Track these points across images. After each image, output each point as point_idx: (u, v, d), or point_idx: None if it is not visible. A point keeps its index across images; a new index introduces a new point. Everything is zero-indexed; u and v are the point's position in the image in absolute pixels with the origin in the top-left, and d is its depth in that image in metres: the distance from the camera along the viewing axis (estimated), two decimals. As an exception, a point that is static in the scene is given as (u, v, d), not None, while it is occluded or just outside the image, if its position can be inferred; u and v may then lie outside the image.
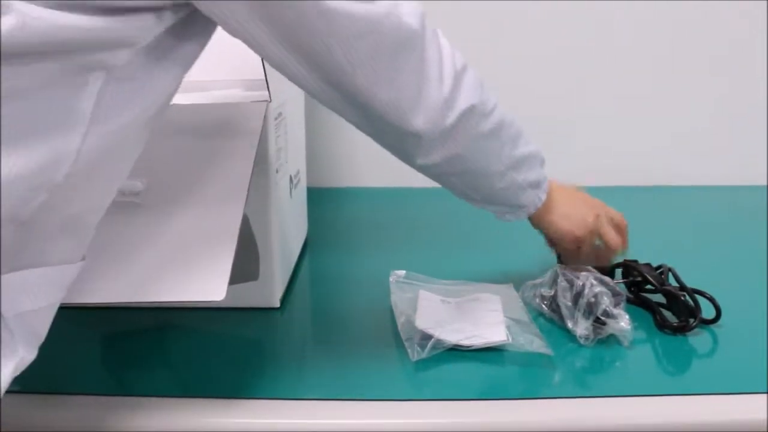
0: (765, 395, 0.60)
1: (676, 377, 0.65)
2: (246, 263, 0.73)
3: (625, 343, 0.68)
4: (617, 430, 0.59)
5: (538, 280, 0.76)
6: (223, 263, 0.59)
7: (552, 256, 0.86)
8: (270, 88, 0.70)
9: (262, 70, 0.68)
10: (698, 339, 0.70)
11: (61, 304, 0.51)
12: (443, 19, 1.08)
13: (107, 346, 0.70)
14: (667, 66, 1.14)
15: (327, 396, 0.60)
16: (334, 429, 0.58)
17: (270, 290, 0.74)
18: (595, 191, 1.15)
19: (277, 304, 0.75)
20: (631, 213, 1.07)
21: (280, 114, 0.75)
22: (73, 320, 0.57)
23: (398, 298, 0.75)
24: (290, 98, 0.81)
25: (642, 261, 0.79)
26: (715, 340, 0.70)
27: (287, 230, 0.79)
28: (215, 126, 0.68)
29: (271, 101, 0.70)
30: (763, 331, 0.70)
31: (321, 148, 1.17)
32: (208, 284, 0.58)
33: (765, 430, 0.58)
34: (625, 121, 1.17)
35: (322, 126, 1.15)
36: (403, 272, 0.80)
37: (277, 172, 0.74)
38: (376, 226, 1.03)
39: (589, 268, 0.73)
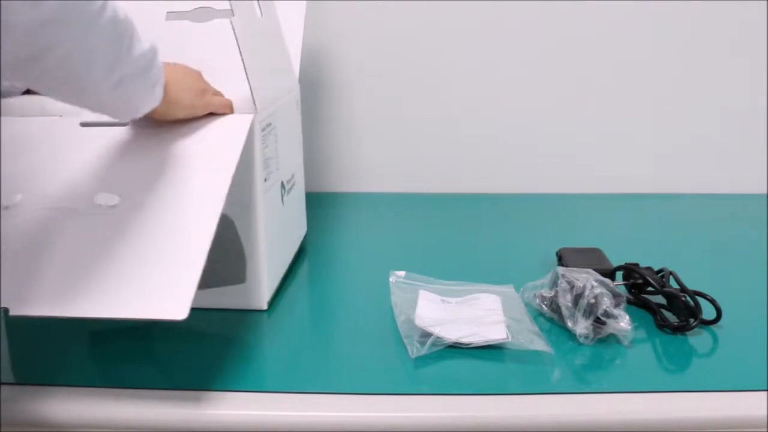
0: (765, 392, 0.60)
1: (676, 375, 0.64)
2: (232, 267, 0.74)
3: (625, 343, 0.68)
4: (617, 425, 0.58)
5: (538, 281, 0.77)
6: (188, 281, 0.58)
7: (552, 257, 0.87)
8: (258, 99, 0.71)
9: (247, 82, 0.69)
10: (698, 339, 0.70)
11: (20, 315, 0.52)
12: (447, 21, 1.10)
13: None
14: (668, 77, 1.15)
15: (324, 390, 0.60)
16: (331, 422, 0.58)
17: (257, 293, 0.75)
18: (598, 198, 1.17)
19: (265, 307, 0.75)
20: (633, 220, 1.08)
21: (269, 125, 0.75)
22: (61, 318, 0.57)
23: (398, 298, 0.75)
24: (283, 105, 0.82)
25: (643, 265, 0.79)
26: (716, 340, 0.70)
27: (277, 235, 0.79)
28: (200, 138, 0.69)
29: (257, 113, 0.71)
30: (764, 331, 0.70)
31: (323, 154, 1.17)
32: (170, 302, 0.57)
33: (765, 427, 0.58)
34: (627, 130, 1.17)
35: (324, 132, 1.16)
36: (403, 273, 0.80)
37: (265, 180, 0.74)
38: (377, 228, 1.03)
39: (590, 270, 0.73)
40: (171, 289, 0.58)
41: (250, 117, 0.70)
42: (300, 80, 0.91)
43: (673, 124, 1.17)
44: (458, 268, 0.83)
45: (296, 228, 0.91)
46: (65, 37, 0.49)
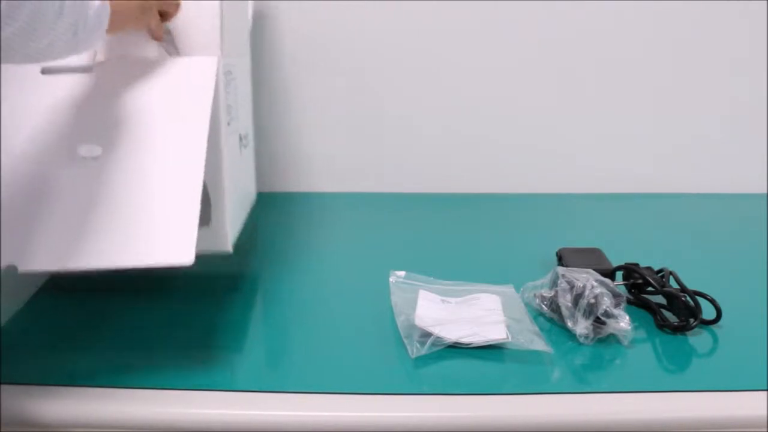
0: (765, 392, 0.60)
1: (676, 374, 0.64)
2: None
3: (625, 343, 0.68)
4: (617, 425, 0.59)
5: (538, 281, 0.77)
6: (188, 225, 0.58)
7: (552, 257, 0.87)
8: (224, 44, 0.72)
9: (218, 26, 0.71)
10: (698, 338, 0.70)
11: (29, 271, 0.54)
12: (447, 23, 1.10)
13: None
14: (668, 77, 1.14)
15: (324, 390, 0.60)
16: (331, 422, 0.58)
17: (222, 235, 0.75)
18: (598, 198, 1.17)
19: (230, 249, 0.76)
20: (633, 220, 1.08)
21: (230, 72, 0.76)
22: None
23: (398, 298, 0.75)
24: (239, 60, 0.84)
25: (643, 265, 0.79)
26: (716, 340, 0.70)
27: (236, 182, 0.80)
28: (169, 82, 0.69)
29: (222, 57, 0.72)
30: (764, 331, 0.70)
31: (324, 153, 1.17)
32: (175, 247, 0.58)
33: (765, 427, 0.58)
34: (627, 130, 1.17)
35: (324, 132, 1.16)
36: (403, 273, 0.80)
37: (228, 124, 0.75)
38: (377, 228, 1.03)
39: (590, 270, 0.73)
40: (172, 235, 0.59)
41: (216, 59, 0.71)
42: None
43: (673, 124, 1.17)
44: (458, 268, 0.83)
45: (250, 188, 0.93)
46: None
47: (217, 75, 0.70)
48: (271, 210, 1.08)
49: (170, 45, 0.75)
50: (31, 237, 0.59)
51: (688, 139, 1.18)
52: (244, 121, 0.87)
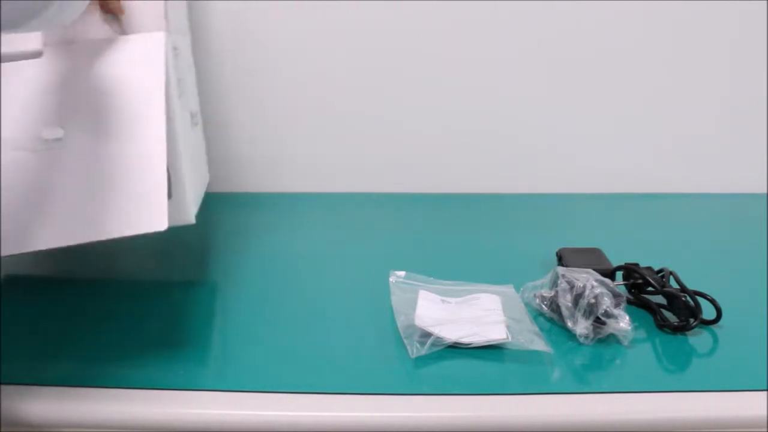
0: (765, 392, 0.60)
1: (676, 375, 0.64)
2: None
3: (625, 343, 0.68)
4: (617, 425, 0.59)
5: (538, 281, 0.77)
6: (157, 192, 0.61)
7: (552, 257, 0.87)
8: (169, 19, 0.74)
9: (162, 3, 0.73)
10: (698, 338, 0.70)
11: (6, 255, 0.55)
12: (445, 23, 1.10)
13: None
14: (668, 76, 1.14)
15: (324, 390, 0.60)
16: (330, 422, 0.58)
17: (184, 207, 0.75)
18: (598, 198, 1.17)
19: (193, 221, 0.77)
20: (633, 220, 1.08)
21: (175, 48, 0.78)
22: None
23: (398, 298, 0.75)
24: (182, 39, 0.85)
25: (643, 265, 0.79)
26: (716, 340, 0.70)
27: (193, 158, 0.81)
28: (121, 59, 0.70)
29: (168, 32, 0.73)
30: (764, 331, 0.70)
31: (325, 153, 1.17)
32: (147, 216, 0.60)
33: (765, 427, 0.58)
34: (627, 130, 1.17)
35: (324, 132, 1.16)
36: (403, 273, 0.80)
37: (179, 98, 0.76)
38: (377, 228, 1.03)
39: (590, 270, 0.73)
40: (144, 205, 0.61)
41: (164, 34, 0.72)
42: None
43: (673, 124, 1.17)
44: (458, 268, 0.83)
45: (204, 168, 0.93)
46: None
47: (166, 49, 0.72)
48: (271, 210, 1.08)
49: (115, 24, 0.76)
50: (5, 222, 0.61)
51: (688, 139, 1.18)
52: (192, 99, 0.88)
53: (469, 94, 1.15)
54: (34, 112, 0.67)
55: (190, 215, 0.76)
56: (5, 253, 0.60)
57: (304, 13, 1.09)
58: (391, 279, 0.79)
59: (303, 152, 1.17)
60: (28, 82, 0.69)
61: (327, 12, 1.09)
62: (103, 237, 0.61)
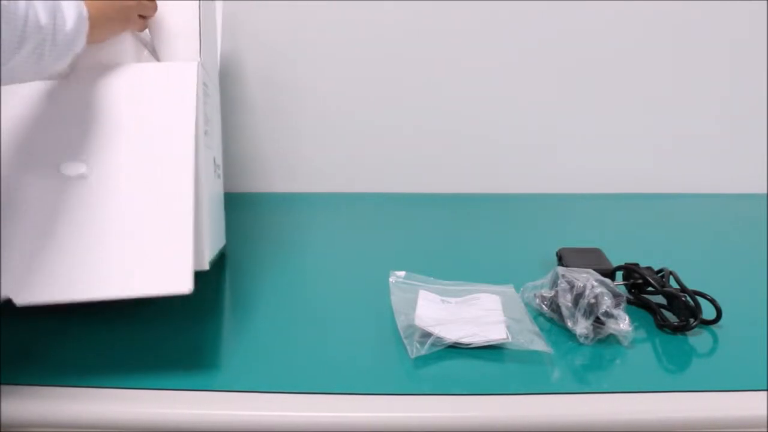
0: (765, 392, 0.60)
1: (676, 375, 0.64)
2: None
3: (625, 343, 0.68)
4: (617, 425, 0.58)
5: (538, 281, 0.77)
6: (184, 252, 0.56)
7: (552, 257, 0.87)
8: (202, 53, 0.69)
9: (197, 29, 0.68)
10: (698, 338, 0.70)
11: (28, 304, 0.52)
12: (445, 22, 1.10)
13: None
14: (668, 76, 1.15)
15: (324, 390, 0.60)
16: (330, 422, 0.58)
17: (200, 252, 0.70)
18: (598, 198, 1.17)
19: (207, 267, 0.72)
20: (633, 220, 1.08)
21: (205, 84, 0.73)
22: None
23: (398, 298, 0.75)
24: (213, 76, 0.80)
25: (643, 265, 0.79)
26: (716, 340, 0.70)
27: (212, 203, 0.76)
28: (149, 89, 0.66)
29: (201, 62, 0.69)
30: (764, 331, 0.70)
31: (327, 153, 1.17)
32: (172, 276, 0.56)
33: (765, 427, 0.58)
34: (627, 130, 1.17)
35: (324, 132, 1.16)
36: (402, 273, 0.80)
37: (206, 134, 0.71)
38: (377, 228, 1.03)
39: (590, 270, 0.73)
40: (168, 262, 0.56)
41: (196, 64, 0.67)
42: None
43: (673, 124, 1.17)
44: (458, 268, 0.83)
45: (221, 210, 0.86)
46: None
47: (198, 81, 0.67)
48: (270, 210, 1.08)
49: (146, 47, 0.73)
50: (24, 266, 0.57)
51: (688, 139, 1.18)
52: (217, 147, 0.83)
53: (470, 95, 1.15)
54: (55, 142, 0.62)
55: (204, 262, 0.72)
56: (21, 303, 0.55)
57: (313, 17, 1.09)
58: (391, 279, 0.79)
59: (303, 153, 1.17)
60: (49, 107, 0.64)
61: (335, 18, 1.09)
62: (126, 295, 0.56)
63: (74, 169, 0.60)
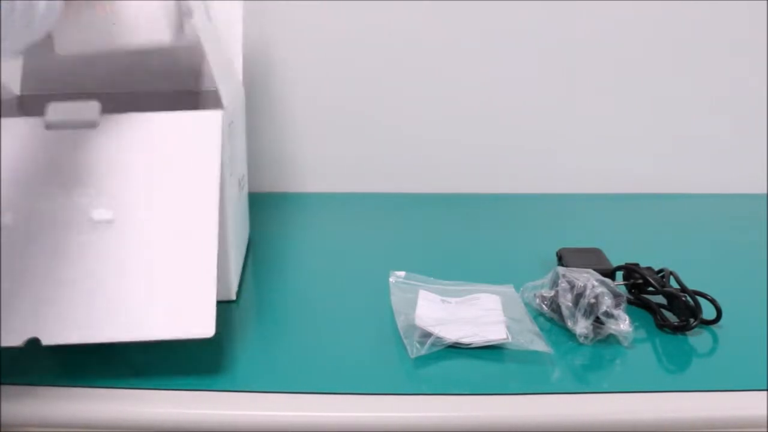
0: (765, 392, 0.60)
1: (676, 374, 0.64)
2: None
3: (625, 344, 0.68)
4: (617, 425, 0.58)
5: (538, 281, 0.77)
6: (207, 297, 0.59)
7: (552, 257, 0.87)
8: (223, 96, 0.70)
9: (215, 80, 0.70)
10: (698, 338, 0.70)
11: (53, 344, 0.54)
12: (442, 27, 1.10)
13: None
14: (668, 76, 1.14)
15: (324, 390, 0.60)
16: (330, 422, 0.58)
17: (226, 284, 0.75)
18: (598, 198, 1.17)
19: (233, 297, 0.76)
20: (633, 220, 1.08)
21: (232, 122, 0.75)
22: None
23: (398, 298, 0.75)
24: (237, 106, 0.82)
25: (643, 265, 0.79)
26: (716, 340, 0.70)
27: (237, 232, 0.80)
28: (174, 139, 0.68)
29: (224, 109, 0.70)
30: (764, 331, 0.71)
31: (328, 153, 1.17)
32: (195, 320, 0.59)
33: (765, 427, 0.58)
34: (627, 130, 1.17)
35: (325, 132, 1.16)
36: (402, 273, 0.80)
37: (231, 175, 0.74)
38: (376, 228, 1.03)
39: (590, 270, 0.73)
40: (191, 307, 0.59)
41: (220, 113, 0.69)
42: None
43: (673, 124, 1.17)
44: (458, 268, 0.83)
45: (246, 225, 0.92)
46: None
47: (222, 130, 0.68)
48: (269, 210, 1.08)
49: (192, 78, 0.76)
50: (49, 306, 0.59)
51: (688, 139, 1.18)
52: (241, 164, 0.86)
53: (470, 95, 1.15)
54: (82, 188, 0.64)
55: (231, 293, 0.76)
56: (46, 343, 0.58)
57: (313, 18, 1.09)
58: (391, 279, 0.79)
59: (303, 153, 1.17)
60: (77, 155, 0.66)
61: (335, 18, 1.09)
62: (147, 338, 0.59)
63: (101, 215, 0.63)
